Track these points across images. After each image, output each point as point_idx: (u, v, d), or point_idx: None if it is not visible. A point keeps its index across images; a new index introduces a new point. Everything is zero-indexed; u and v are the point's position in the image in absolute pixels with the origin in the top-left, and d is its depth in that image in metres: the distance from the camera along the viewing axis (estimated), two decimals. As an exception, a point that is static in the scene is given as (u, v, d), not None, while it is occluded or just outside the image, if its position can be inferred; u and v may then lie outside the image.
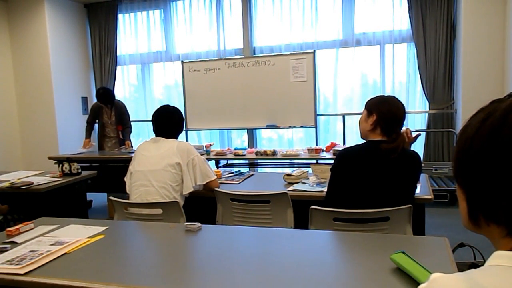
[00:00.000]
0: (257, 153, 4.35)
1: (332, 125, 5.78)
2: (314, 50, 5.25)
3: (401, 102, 2.07)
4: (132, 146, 5.09)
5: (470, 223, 0.66)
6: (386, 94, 5.26)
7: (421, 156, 3.81)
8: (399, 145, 1.95)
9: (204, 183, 2.53)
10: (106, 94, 5.09)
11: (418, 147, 5.10)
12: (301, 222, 2.13)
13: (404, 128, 2.12)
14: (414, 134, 2.28)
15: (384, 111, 2.01)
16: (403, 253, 1.28)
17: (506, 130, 0.60)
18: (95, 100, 6.60)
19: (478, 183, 0.63)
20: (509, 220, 0.61)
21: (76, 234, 1.79)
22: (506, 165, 0.59)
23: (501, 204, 0.60)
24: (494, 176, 0.61)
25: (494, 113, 0.63)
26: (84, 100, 6.50)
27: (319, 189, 2.47)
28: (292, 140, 5.90)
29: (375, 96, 2.14)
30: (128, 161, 2.70)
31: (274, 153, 4.28)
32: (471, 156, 0.64)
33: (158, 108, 2.64)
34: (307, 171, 2.88)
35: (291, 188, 2.56)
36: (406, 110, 5.61)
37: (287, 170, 3.04)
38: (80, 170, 3.35)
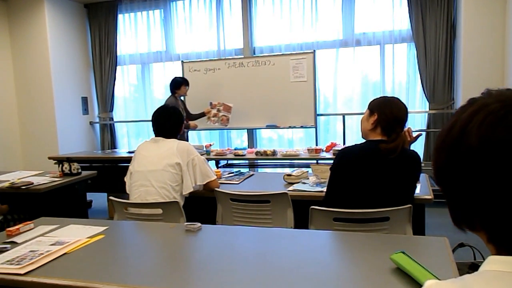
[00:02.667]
0: (257, 153, 4.35)
1: (332, 125, 5.78)
2: (314, 50, 5.24)
3: (404, 104, 2.08)
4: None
5: (457, 227, 0.66)
6: (386, 95, 5.28)
7: (421, 156, 3.80)
8: (398, 145, 1.95)
9: (204, 183, 2.53)
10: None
11: (418, 147, 5.10)
12: (301, 222, 2.13)
13: (405, 127, 2.12)
14: (415, 134, 2.29)
15: (386, 112, 2.01)
16: (403, 253, 1.28)
17: (465, 141, 0.59)
18: (95, 100, 6.65)
19: (451, 192, 0.63)
20: (485, 227, 0.60)
21: (76, 234, 1.79)
22: (469, 177, 0.59)
23: (475, 212, 0.60)
24: (461, 188, 0.61)
25: (454, 126, 0.62)
26: (84, 100, 6.50)
27: (319, 189, 2.47)
28: (292, 140, 5.89)
29: (379, 96, 2.15)
30: (128, 161, 2.70)
31: (274, 153, 4.28)
32: (439, 170, 0.64)
33: (158, 108, 2.64)
34: (307, 171, 2.88)
35: (291, 188, 2.56)
36: (406, 110, 5.57)
37: (287, 170, 3.04)
38: (80, 170, 3.35)
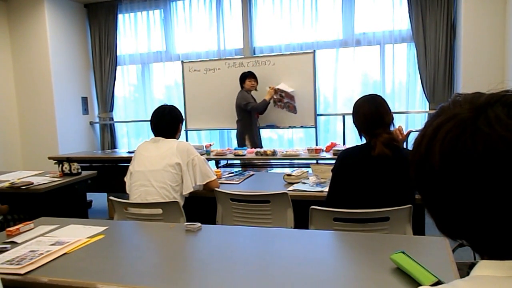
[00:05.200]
0: (257, 153, 4.35)
1: (332, 125, 5.78)
2: (314, 50, 5.24)
3: (373, 103, 2.01)
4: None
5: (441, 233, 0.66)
6: (386, 95, 5.30)
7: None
8: (382, 150, 1.92)
9: (204, 183, 2.53)
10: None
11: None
12: (301, 222, 2.13)
13: (396, 126, 2.11)
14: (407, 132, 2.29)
15: (357, 122, 2.04)
16: (403, 253, 1.28)
17: (429, 160, 0.58)
18: (95, 100, 6.65)
19: (425, 205, 0.63)
20: (463, 239, 0.60)
21: (76, 234, 1.79)
22: (436, 194, 0.59)
23: (450, 225, 0.60)
24: (432, 203, 0.61)
25: (421, 141, 0.61)
26: (84, 100, 6.50)
27: (319, 189, 2.47)
28: (292, 140, 5.89)
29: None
30: (128, 161, 2.70)
31: (274, 153, 4.28)
32: (412, 180, 0.64)
33: (156, 109, 2.64)
34: (307, 171, 2.88)
35: (291, 188, 2.56)
36: (406, 110, 5.60)
37: (287, 170, 3.04)
38: (80, 170, 3.35)
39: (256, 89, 4.98)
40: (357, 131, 2.10)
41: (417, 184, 0.63)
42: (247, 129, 4.94)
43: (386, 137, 1.95)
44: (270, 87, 4.96)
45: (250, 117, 4.92)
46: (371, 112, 1.98)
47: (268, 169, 5.15)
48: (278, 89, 5.04)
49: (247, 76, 4.88)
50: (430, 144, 0.59)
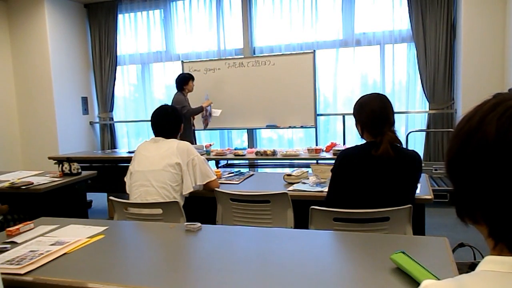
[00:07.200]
0: (257, 153, 4.34)
1: (332, 125, 5.79)
2: (314, 50, 5.25)
3: (381, 100, 2.00)
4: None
5: (460, 219, 0.66)
6: (386, 95, 5.28)
7: (421, 156, 3.80)
8: (386, 147, 1.91)
9: (204, 183, 2.53)
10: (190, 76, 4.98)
11: (418, 147, 5.10)
12: (301, 222, 2.13)
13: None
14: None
15: (363, 118, 2.00)
16: (403, 253, 1.28)
17: (483, 130, 0.59)
18: (95, 100, 6.65)
19: (458, 184, 0.64)
20: (487, 221, 0.61)
21: (76, 234, 1.79)
22: (479, 167, 0.59)
23: (479, 203, 0.60)
24: (469, 177, 0.61)
25: (474, 115, 0.62)
26: (84, 100, 6.50)
27: (319, 189, 2.47)
28: (292, 140, 5.90)
29: (358, 99, 2.09)
30: (128, 161, 2.70)
31: (274, 153, 4.28)
32: (450, 159, 0.65)
33: (156, 108, 2.64)
34: (307, 171, 2.88)
35: (291, 188, 2.56)
36: (406, 110, 5.60)
37: (287, 170, 3.04)
38: (80, 170, 3.35)
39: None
40: (357, 131, 2.09)
41: (457, 157, 0.63)
42: (184, 131, 4.95)
43: (392, 136, 1.94)
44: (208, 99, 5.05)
45: (184, 120, 4.94)
46: (380, 109, 1.96)
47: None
48: (211, 103, 5.12)
49: (190, 78, 4.87)
50: (485, 117, 0.59)
